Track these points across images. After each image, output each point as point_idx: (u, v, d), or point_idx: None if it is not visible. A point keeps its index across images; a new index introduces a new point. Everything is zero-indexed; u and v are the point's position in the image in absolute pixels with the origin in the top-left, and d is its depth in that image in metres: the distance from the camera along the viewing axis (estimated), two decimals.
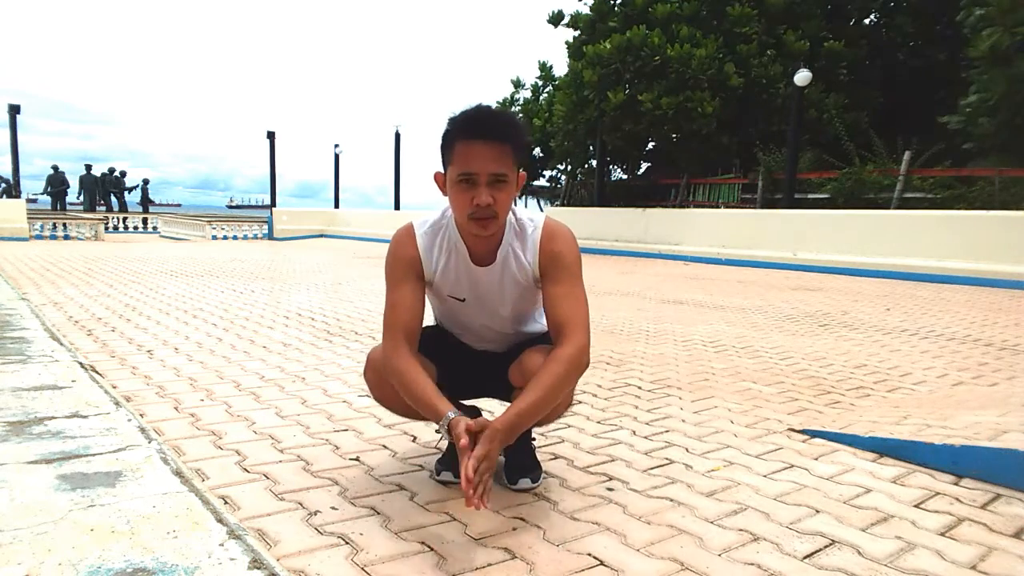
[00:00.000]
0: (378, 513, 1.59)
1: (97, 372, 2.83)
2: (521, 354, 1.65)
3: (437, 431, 1.49)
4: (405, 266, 1.65)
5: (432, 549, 1.42)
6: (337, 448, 2.04)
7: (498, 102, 19.24)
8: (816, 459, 2.04)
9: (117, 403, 2.35)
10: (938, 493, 1.79)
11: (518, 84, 19.90)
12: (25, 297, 5.10)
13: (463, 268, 1.66)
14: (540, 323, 1.81)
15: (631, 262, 10.97)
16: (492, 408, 2.05)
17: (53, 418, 2.15)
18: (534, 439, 1.87)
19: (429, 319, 1.96)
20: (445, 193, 1.58)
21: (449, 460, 1.82)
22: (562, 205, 18.56)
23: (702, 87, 13.39)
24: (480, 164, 1.48)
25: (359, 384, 2.62)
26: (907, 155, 11.48)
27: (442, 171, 1.58)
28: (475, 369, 1.80)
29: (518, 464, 1.78)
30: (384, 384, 1.65)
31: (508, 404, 1.83)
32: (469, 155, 1.48)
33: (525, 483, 1.75)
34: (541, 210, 18.43)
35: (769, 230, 10.60)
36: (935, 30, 14.20)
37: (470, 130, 1.50)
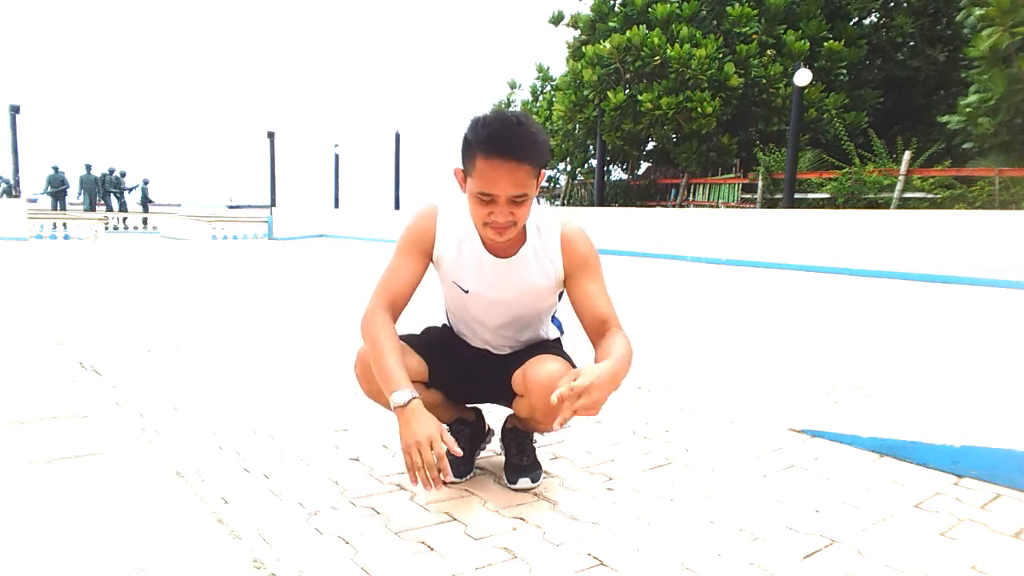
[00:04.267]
0: (378, 513, 1.59)
1: (97, 372, 2.84)
2: (526, 363, 1.65)
3: (398, 404, 1.47)
4: (415, 242, 1.67)
5: (432, 549, 1.42)
6: (337, 448, 2.03)
7: (494, 104, 19.32)
8: (816, 459, 2.04)
9: (117, 403, 2.35)
10: (938, 493, 1.79)
11: (513, 85, 20.00)
12: (25, 297, 5.10)
13: (474, 257, 1.66)
14: (542, 331, 1.82)
15: (631, 262, 10.96)
16: (493, 410, 2.05)
17: (54, 418, 2.15)
18: (535, 440, 1.87)
19: (435, 319, 1.96)
20: (464, 191, 1.56)
21: (449, 459, 1.82)
22: (562, 205, 18.55)
23: (702, 87, 13.40)
24: (501, 187, 1.45)
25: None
26: (907, 155, 11.47)
27: (462, 168, 1.54)
28: (476, 372, 1.80)
29: (518, 464, 1.78)
30: (372, 378, 1.65)
31: (508, 409, 1.84)
32: (489, 175, 1.45)
33: (525, 483, 1.74)
34: None
35: (769, 230, 10.60)
36: (935, 30, 14.20)
37: (491, 148, 1.44)
